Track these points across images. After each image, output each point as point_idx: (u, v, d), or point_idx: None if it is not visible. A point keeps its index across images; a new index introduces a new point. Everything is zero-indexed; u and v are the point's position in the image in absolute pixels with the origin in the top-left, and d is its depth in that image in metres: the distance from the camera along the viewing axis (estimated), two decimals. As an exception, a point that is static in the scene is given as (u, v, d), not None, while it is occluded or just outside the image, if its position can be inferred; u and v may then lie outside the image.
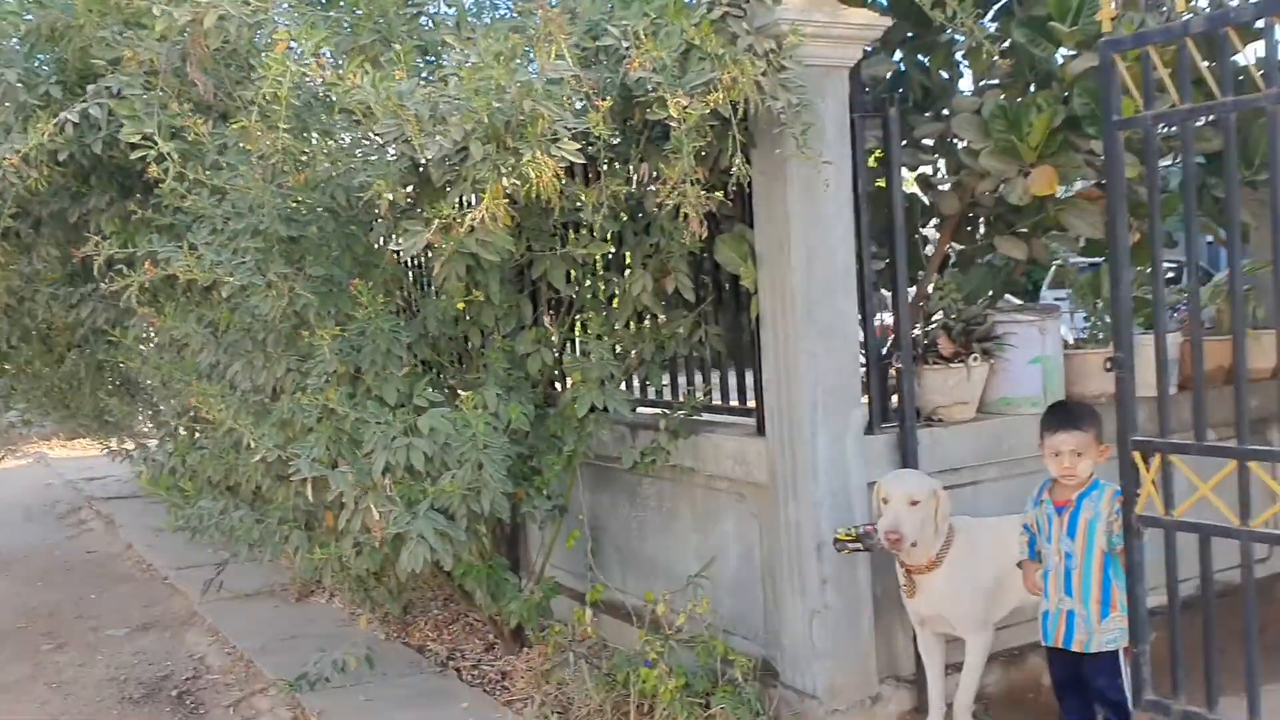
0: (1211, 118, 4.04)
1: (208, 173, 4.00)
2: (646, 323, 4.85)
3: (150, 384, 7.98)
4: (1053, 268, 10.71)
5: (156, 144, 3.95)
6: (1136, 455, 3.48)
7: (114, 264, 4.32)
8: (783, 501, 4.26)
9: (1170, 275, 6.41)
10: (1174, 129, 3.67)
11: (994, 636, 4.55)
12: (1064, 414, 3.83)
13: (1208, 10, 3.86)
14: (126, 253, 4.09)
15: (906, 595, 4.11)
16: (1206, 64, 3.51)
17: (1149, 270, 3.64)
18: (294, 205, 4.04)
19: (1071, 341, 5.12)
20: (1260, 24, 3.17)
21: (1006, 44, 4.71)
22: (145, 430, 9.82)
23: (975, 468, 4.55)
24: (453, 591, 5.89)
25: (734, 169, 3.78)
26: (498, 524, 5.31)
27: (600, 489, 5.60)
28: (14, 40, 4.82)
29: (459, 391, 4.46)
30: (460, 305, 4.42)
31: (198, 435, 5.44)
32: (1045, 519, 3.85)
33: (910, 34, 5.03)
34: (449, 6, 4.66)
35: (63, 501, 11.42)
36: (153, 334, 5.46)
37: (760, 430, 4.42)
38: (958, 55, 5.15)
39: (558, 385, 5.24)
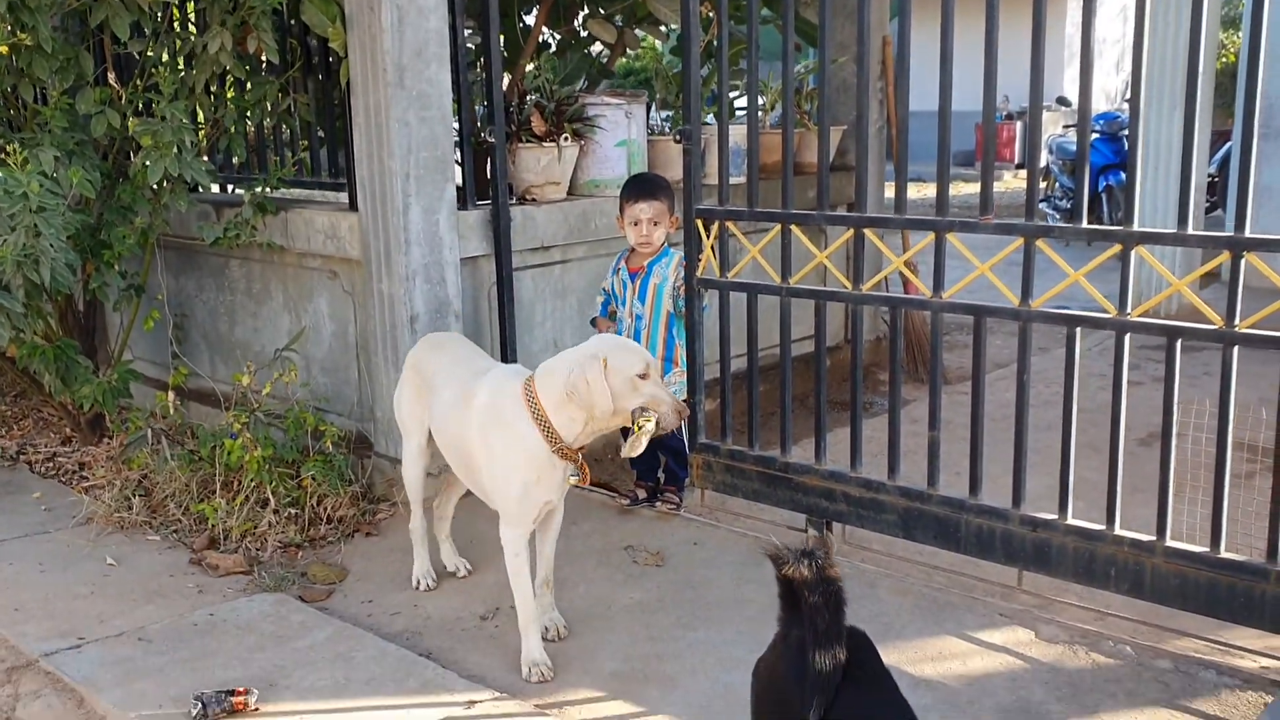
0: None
1: None
2: (229, 87, 4.55)
3: None
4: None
5: None
6: (699, 223, 3.79)
7: None
8: (376, 276, 4.26)
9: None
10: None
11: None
12: (642, 184, 4.08)
13: None
14: None
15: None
16: None
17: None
18: None
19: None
20: None
21: None
22: None
23: (565, 246, 4.76)
24: (24, 386, 5.42)
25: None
26: (68, 306, 4.92)
27: (185, 272, 5.31)
28: None
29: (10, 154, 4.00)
30: (3, 49, 3.91)
31: None
32: (620, 285, 4.13)
33: None
34: None
35: None
36: None
37: (353, 205, 4.35)
38: None
39: (133, 156, 4.84)
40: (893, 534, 3.48)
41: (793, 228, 3.59)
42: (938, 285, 3.26)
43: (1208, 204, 9.45)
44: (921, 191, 13.32)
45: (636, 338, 4.05)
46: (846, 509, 3.56)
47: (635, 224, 4.01)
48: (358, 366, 4.58)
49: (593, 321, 4.29)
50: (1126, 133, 10.84)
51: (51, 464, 5.04)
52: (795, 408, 3.87)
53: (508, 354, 4.53)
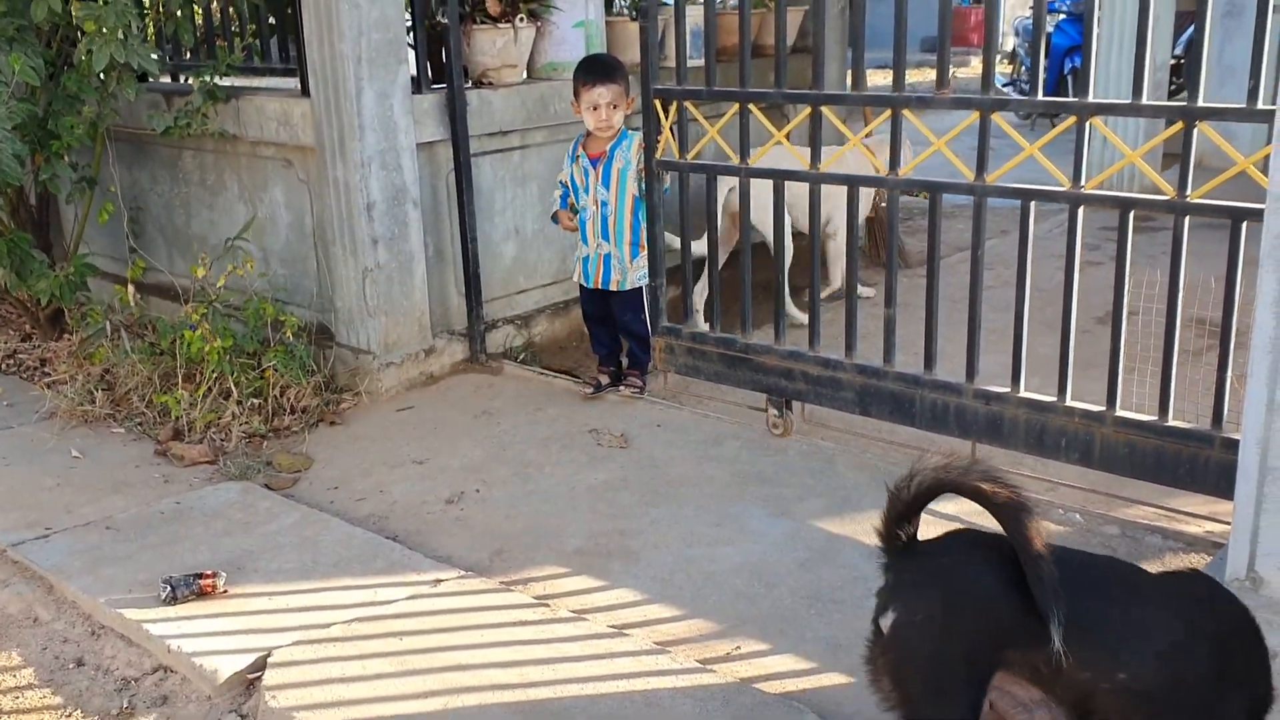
0: None
1: None
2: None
3: None
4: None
5: None
6: (657, 103, 3.75)
7: None
8: (330, 163, 4.19)
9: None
10: None
11: (542, 293, 4.92)
12: (598, 66, 4.01)
13: None
14: None
15: None
16: None
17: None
18: None
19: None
20: None
21: None
22: None
23: (524, 131, 4.69)
24: (-21, 287, 5.36)
25: None
26: (20, 200, 4.82)
27: (138, 165, 5.20)
28: None
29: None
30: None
31: None
32: (581, 172, 4.09)
33: None
34: None
35: None
36: None
37: (305, 91, 4.26)
38: None
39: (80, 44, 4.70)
40: (850, 411, 3.53)
41: (751, 108, 3.55)
42: (894, 163, 3.25)
43: (1172, 85, 9.40)
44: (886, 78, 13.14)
45: (603, 224, 4.04)
46: (805, 388, 3.60)
47: (594, 108, 3.95)
48: (316, 256, 4.54)
49: (554, 217, 4.25)
50: (1093, 13, 10.56)
51: (12, 360, 5.00)
52: (756, 292, 3.88)
53: (467, 241, 4.51)
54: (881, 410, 3.44)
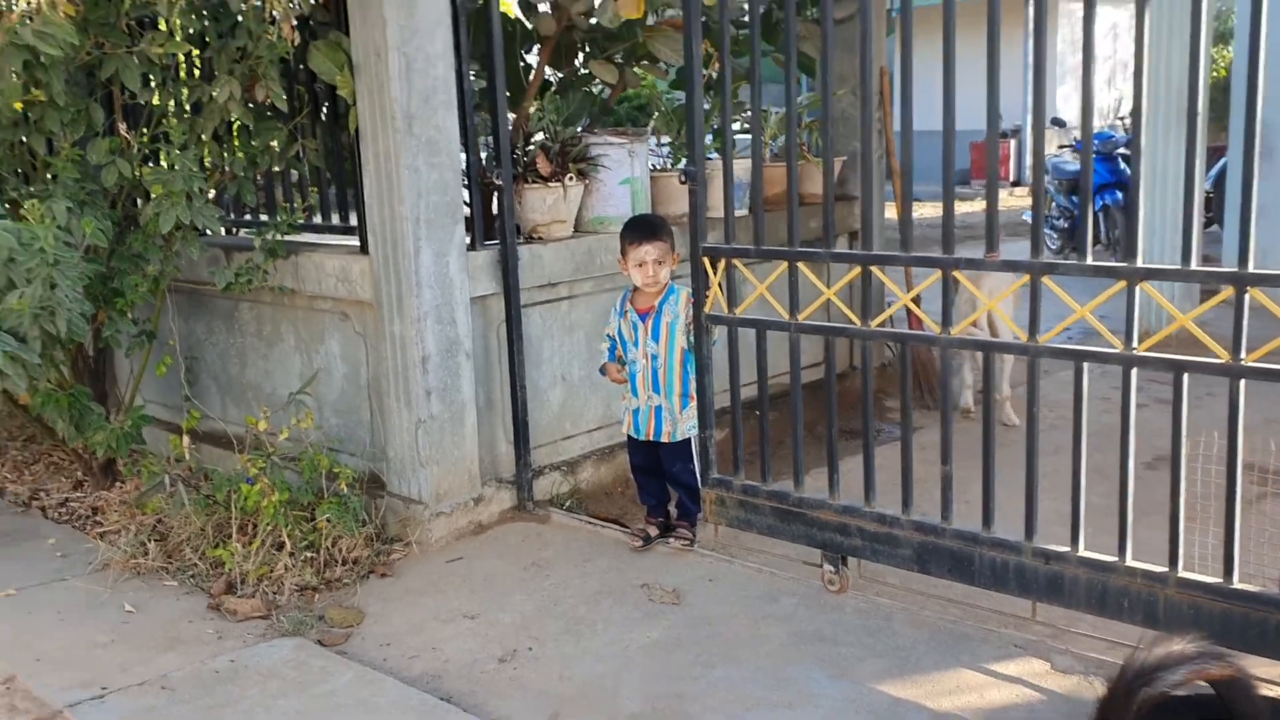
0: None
1: None
2: (237, 135, 4.60)
3: None
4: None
5: None
6: (705, 260, 3.84)
7: None
8: (388, 318, 4.30)
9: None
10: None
11: (588, 439, 4.96)
12: (644, 226, 4.13)
13: None
14: None
15: None
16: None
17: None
18: None
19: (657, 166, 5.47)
20: None
21: None
22: None
23: (571, 282, 4.81)
24: (34, 431, 5.46)
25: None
26: (79, 353, 4.95)
27: (195, 316, 5.35)
28: None
29: (22, 204, 4.05)
30: (18, 106, 3.96)
31: None
32: (630, 327, 4.17)
33: None
34: None
35: None
36: None
37: (364, 249, 4.40)
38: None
39: (142, 204, 4.89)
40: (908, 569, 3.51)
41: (800, 265, 3.63)
42: (945, 321, 3.30)
43: (1205, 219, 9.52)
44: (920, 211, 13.39)
45: (654, 377, 4.10)
46: (862, 544, 3.59)
47: (641, 265, 4.06)
48: (370, 407, 4.61)
49: (601, 369, 4.33)
50: (1121, 151, 10.85)
51: (64, 509, 5.06)
52: (805, 436, 3.90)
53: (517, 390, 4.58)
54: (940, 568, 3.41)
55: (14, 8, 3.30)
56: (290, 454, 4.42)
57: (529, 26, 5.39)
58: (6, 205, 4.19)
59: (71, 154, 4.18)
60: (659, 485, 4.27)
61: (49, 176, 4.26)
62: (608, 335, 4.28)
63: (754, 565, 3.97)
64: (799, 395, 3.78)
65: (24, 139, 4.29)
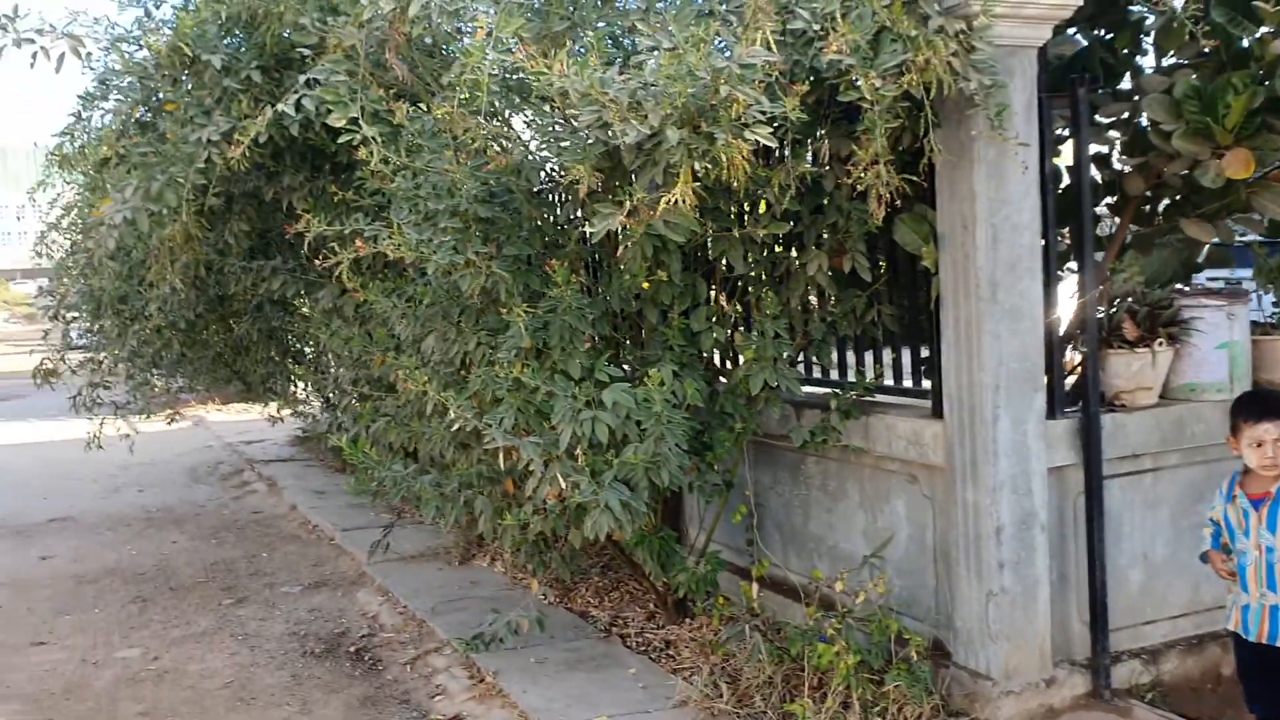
0: None
1: (407, 155, 4.18)
2: (816, 301, 4.89)
3: (314, 352, 8.38)
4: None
5: (361, 128, 4.14)
6: (1347, 446, 3.39)
7: (306, 240, 4.56)
8: (960, 484, 4.27)
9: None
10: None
11: (1171, 625, 4.53)
12: (1267, 402, 3.74)
13: None
14: (335, 230, 4.30)
15: None
16: None
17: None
18: (487, 186, 4.19)
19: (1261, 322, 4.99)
20: None
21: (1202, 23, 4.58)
22: (303, 397, 10.29)
23: (1157, 454, 4.49)
24: (612, 559, 6.03)
25: (926, 150, 3.79)
26: (660, 497, 5.44)
27: (761, 466, 5.67)
28: (214, 27, 5.10)
29: (634, 368, 4.58)
30: (645, 285, 4.53)
31: (377, 403, 5.68)
32: (1239, 514, 3.76)
33: (1093, 11, 4.93)
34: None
35: (225, 463, 12.02)
36: (337, 307, 5.72)
37: (936, 412, 4.43)
38: (1144, 33, 5.03)
39: (725, 362, 5.33)
40: None
41: None
42: None
43: None
44: None
45: (1269, 572, 3.66)
46: None
47: (1258, 445, 3.66)
48: (934, 571, 4.57)
49: (1202, 556, 3.94)
50: None
51: (641, 639, 5.51)
52: None
53: (1095, 568, 4.31)
54: None
55: (654, 204, 3.76)
56: (858, 614, 4.49)
57: (1100, 181, 5.22)
58: (622, 367, 4.75)
59: (680, 323, 4.66)
60: (1274, 695, 3.77)
61: (658, 342, 4.77)
62: (1211, 520, 3.90)
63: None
64: None
65: (639, 310, 4.86)
